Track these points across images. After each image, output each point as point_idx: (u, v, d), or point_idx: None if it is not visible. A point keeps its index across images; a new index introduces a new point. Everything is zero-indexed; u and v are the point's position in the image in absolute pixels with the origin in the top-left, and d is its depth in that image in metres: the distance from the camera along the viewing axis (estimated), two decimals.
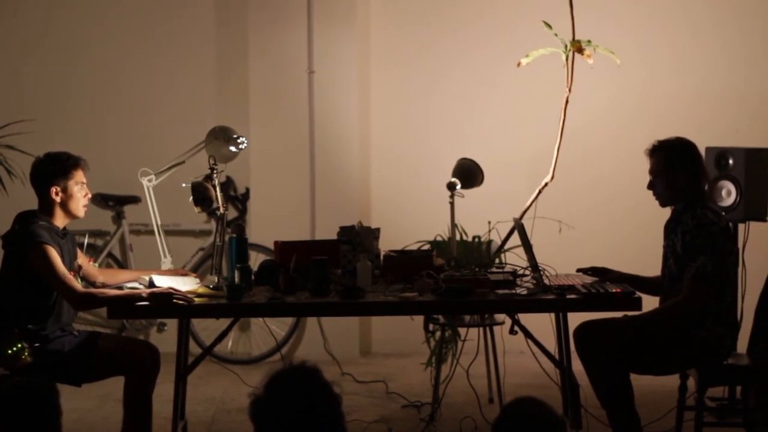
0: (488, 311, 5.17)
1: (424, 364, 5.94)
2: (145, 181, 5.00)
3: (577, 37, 5.60)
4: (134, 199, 6.73)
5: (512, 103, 6.86)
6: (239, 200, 6.98)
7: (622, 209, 6.72)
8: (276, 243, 4.85)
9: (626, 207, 6.66)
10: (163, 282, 4.53)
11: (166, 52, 7.01)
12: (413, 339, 6.13)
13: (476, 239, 5.72)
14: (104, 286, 4.60)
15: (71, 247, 4.49)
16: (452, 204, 5.18)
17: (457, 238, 5.38)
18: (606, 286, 4.44)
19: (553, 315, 4.71)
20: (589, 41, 5.58)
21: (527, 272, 4.67)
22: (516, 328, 4.52)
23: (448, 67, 6.92)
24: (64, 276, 4.24)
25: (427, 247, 5.53)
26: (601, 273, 4.64)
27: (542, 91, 6.57)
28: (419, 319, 5.53)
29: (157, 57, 7.01)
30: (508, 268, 4.88)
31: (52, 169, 4.40)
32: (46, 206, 4.40)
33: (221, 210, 4.80)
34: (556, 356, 4.59)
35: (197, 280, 4.72)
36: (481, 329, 5.50)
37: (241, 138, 5.01)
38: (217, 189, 4.72)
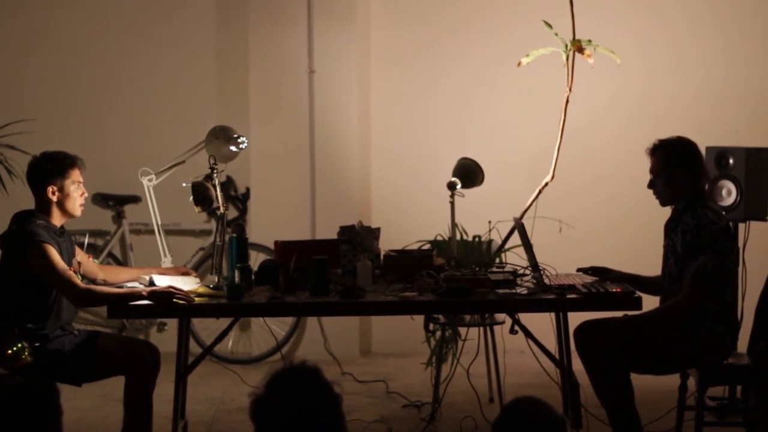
0: (488, 311, 5.18)
1: (424, 364, 5.94)
2: (145, 181, 5.00)
3: (577, 37, 5.60)
4: (134, 199, 6.73)
5: (512, 103, 6.86)
6: (239, 200, 6.98)
7: (623, 209, 6.72)
8: (276, 243, 4.85)
9: (626, 206, 6.66)
10: (163, 281, 4.54)
11: (166, 52, 7.01)
12: (413, 339, 6.13)
13: (476, 239, 5.72)
14: (105, 283, 4.61)
15: (69, 246, 4.49)
16: (452, 204, 5.18)
17: (458, 237, 5.38)
18: (606, 285, 4.44)
19: (553, 314, 4.70)
20: (589, 41, 5.58)
21: (527, 272, 4.67)
22: (516, 327, 4.52)
23: (448, 67, 6.92)
24: (64, 272, 4.24)
25: (427, 246, 5.54)
26: (601, 273, 4.65)
27: (542, 90, 6.58)
28: (419, 319, 5.53)
29: (157, 57, 7.01)
30: (508, 268, 4.88)
31: (49, 169, 4.40)
32: (43, 206, 4.40)
33: (221, 210, 4.80)
34: (557, 356, 4.59)
35: (197, 280, 4.72)
36: (482, 329, 5.50)
37: (241, 138, 5.02)
38: (218, 189, 4.72)
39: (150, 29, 7.00)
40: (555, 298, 4.31)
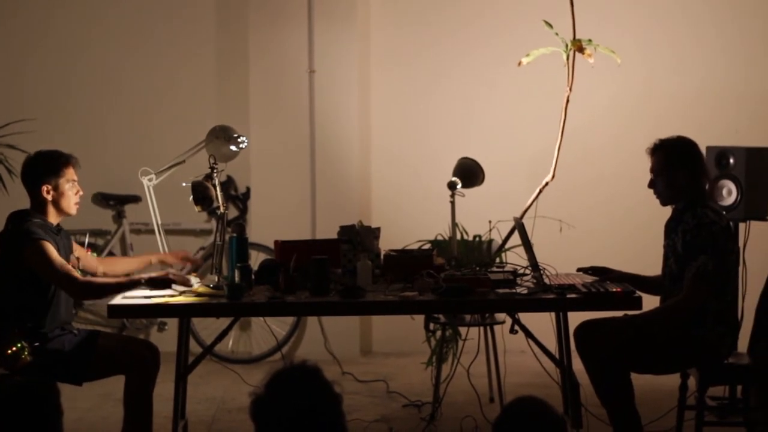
0: (489, 310, 5.18)
1: (424, 364, 5.94)
2: (145, 181, 5.00)
3: (577, 37, 5.60)
4: (135, 199, 6.73)
5: (512, 103, 6.86)
6: (239, 199, 6.98)
7: (623, 208, 6.72)
8: (276, 242, 4.85)
9: (627, 206, 6.66)
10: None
11: (166, 52, 7.01)
12: (414, 338, 6.13)
13: (477, 239, 5.72)
14: (105, 276, 4.62)
15: (67, 243, 4.49)
16: (453, 203, 5.18)
17: (458, 237, 5.38)
18: (606, 285, 4.44)
19: (553, 314, 4.71)
20: (589, 40, 5.58)
21: (528, 271, 4.67)
22: (516, 327, 4.52)
23: (448, 67, 6.92)
24: (62, 267, 4.25)
25: (427, 246, 5.54)
26: (601, 272, 4.64)
27: (543, 90, 6.58)
28: (420, 319, 5.53)
29: (157, 57, 7.01)
30: (508, 268, 4.88)
31: (43, 168, 4.41)
32: (39, 205, 4.41)
33: (221, 209, 4.80)
34: (557, 355, 4.59)
35: (197, 279, 4.72)
36: (482, 328, 5.50)
37: (241, 137, 5.02)
38: (218, 188, 4.72)
39: (150, 29, 7.00)
40: (555, 297, 4.31)
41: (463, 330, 5.65)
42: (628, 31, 6.70)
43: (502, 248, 5.71)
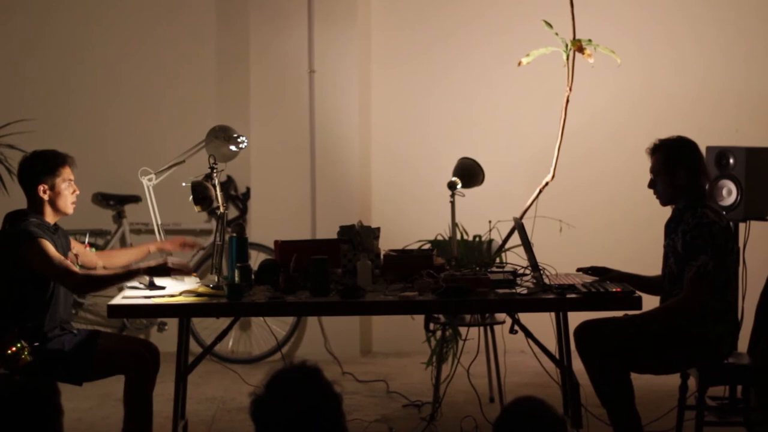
0: (488, 311, 5.18)
1: (424, 364, 5.94)
2: (145, 181, 5.00)
3: (577, 37, 5.60)
4: (135, 199, 6.73)
5: (512, 103, 6.85)
6: (239, 199, 6.98)
7: (623, 208, 6.72)
8: (276, 242, 4.85)
9: (627, 206, 6.66)
10: (163, 282, 4.55)
11: (166, 52, 7.01)
12: (414, 338, 6.13)
13: (477, 239, 5.72)
14: (105, 269, 4.63)
15: (64, 241, 4.50)
16: (453, 203, 5.18)
17: (458, 237, 5.38)
18: (606, 285, 4.44)
19: (553, 314, 4.71)
20: (589, 40, 5.58)
21: (527, 271, 4.67)
22: (516, 327, 4.52)
23: (448, 67, 6.92)
24: (61, 262, 4.26)
25: (427, 246, 5.53)
26: (601, 272, 4.64)
27: (543, 90, 6.58)
28: (420, 319, 5.53)
29: (157, 57, 7.00)
30: (508, 268, 4.88)
31: (39, 168, 4.41)
32: (35, 204, 4.41)
33: (221, 209, 4.80)
34: (557, 355, 4.59)
35: (197, 279, 4.73)
36: (482, 328, 5.50)
37: (241, 137, 5.01)
38: (217, 188, 4.72)
39: (150, 29, 6.99)
40: (555, 297, 4.32)
41: (463, 330, 5.65)
42: (628, 31, 6.70)
43: (502, 248, 5.71)
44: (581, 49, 5.58)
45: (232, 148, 4.98)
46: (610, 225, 6.78)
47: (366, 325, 6.92)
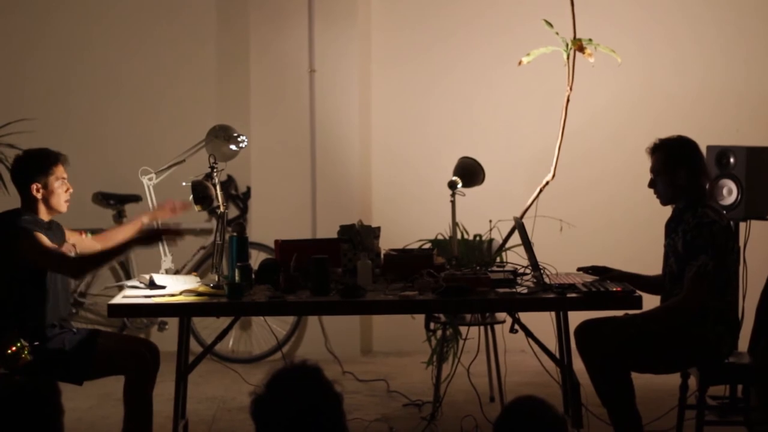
0: (489, 310, 5.18)
1: (425, 363, 5.94)
2: (145, 180, 5.00)
3: (578, 36, 5.60)
4: (135, 198, 6.72)
5: (513, 102, 6.85)
6: (240, 199, 6.98)
7: (623, 208, 6.72)
8: (276, 242, 4.85)
9: (627, 206, 6.66)
10: (164, 281, 4.55)
11: (166, 52, 7.01)
12: (414, 338, 6.13)
13: (477, 238, 5.72)
14: None
15: (60, 235, 4.51)
16: (453, 203, 5.18)
17: (458, 236, 5.38)
18: (606, 284, 4.44)
19: (553, 314, 4.71)
20: (590, 40, 5.58)
21: (528, 271, 4.67)
22: (516, 326, 4.52)
23: (448, 67, 6.92)
24: (54, 250, 4.29)
25: (427, 245, 5.53)
26: (601, 272, 4.64)
27: (543, 90, 6.58)
28: (420, 318, 5.53)
29: (157, 57, 7.00)
30: (508, 267, 4.88)
31: (32, 167, 4.42)
32: (29, 203, 4.42)
33: (222, 209, 4.80)
34: (557, 355, 4.59)
35: (198, 279, 4.72)
36: (482, 328, 5.50)
37: (241, 137, 5.01)
38: (218, 188, 4.72)
39: (150, 29, 6.99)
40: (555, 297, 4.31)
41: (463, 329, 5.65)
42: (628, 31, 6.70)
43: (502, 248, 5.71)
44: (582, 49, 5.58)
45: (233, 147, 4.98)
46: (610, 225, 6.78)
47: (366, 325, 6.92)
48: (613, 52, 5.63)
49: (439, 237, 5.72)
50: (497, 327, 5.50)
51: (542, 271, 4.51)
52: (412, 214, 6.76)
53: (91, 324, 6.53)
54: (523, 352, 5.39)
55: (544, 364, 4.99)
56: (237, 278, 4.43)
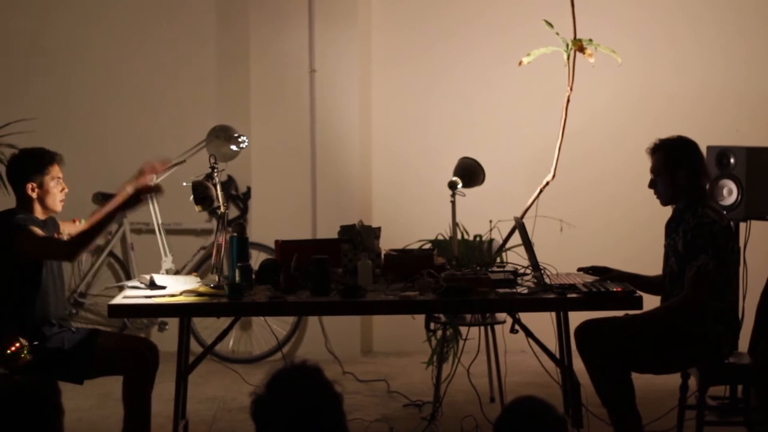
0: (489, 310, 5.18)
1: (425, 363, 5.94)
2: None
3: (578, 36, 5.60)
4: None
5: (513, 103, 6.85)
6: (240, 199, 6.98)
7: (623, 208, 6.72)
8: (277, 242, 4.85)
9: (627, 206, 6.66)
10: (164, 281, 4.55)
11: (166, 52, 7.01)
12: (414, 338, 6.13)
13: (477, 238, 5.72)
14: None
15: (53, 229, 4.51)
16: (453, 203, 5.18)
17: (459, 237, 5.38)
18: (607, 285, 4.44)
19: (553, 314, 4.71)
20: (590, 40, 5.58)
21: (528, 271, 4.67)
22: (517, 327, 4.52)
23: (448, 67, 6.92)
24: (47, 238, 4.31)
25: (428, 246, 5.54)
26: (601, 272, 4.64)
27: (543, 90, 6.58)
28: (420, 318, 5.53)
29: (157, 57, 7.00)
30: (509, 267, 4.88)
31: (28, 166, 4.42)
32: (24, 203, 4.43)
33: (222, 209, 4.79)
34: (557, 355, 4.59)
35: (198, 279, 4.72)
36: (482, 328, 5.50)
37: (241, 137, 5.01)
38: (218, 188, 4.72)
39: (150, 29, 6.99)
40: (555, 297, 4.31)
41: (463, 330, 5.65)
42: (628, 31, 6.70)
43: (502, 248, 5.71)
44: (582, 49, 5.57)
45: (233, 147, 4.98)
46: (610, 225, 6.78)
47: (366, 325, 6.92)
48: (613, 53, 5.63)
49: (440, 237, 5.72)
50: (497, 327, 5.51)
51: (542, 272, 4.50)
52: (412, 215, 6.76)
53: (91, 324, 6.53)
54: (524, 352, 5.39)
55: (544, 365, 5.00)
56: (237, 278, 4.43)
